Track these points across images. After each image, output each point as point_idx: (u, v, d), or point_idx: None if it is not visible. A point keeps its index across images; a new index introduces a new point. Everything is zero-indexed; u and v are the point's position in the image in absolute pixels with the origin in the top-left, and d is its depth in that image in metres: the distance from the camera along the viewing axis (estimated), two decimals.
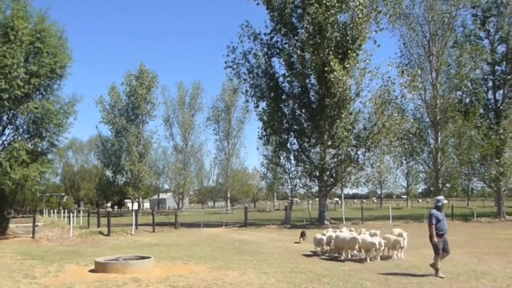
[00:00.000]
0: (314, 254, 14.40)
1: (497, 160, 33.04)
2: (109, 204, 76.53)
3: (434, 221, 9.91)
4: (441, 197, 10.61)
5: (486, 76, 35.21)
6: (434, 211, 10.19)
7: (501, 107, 34.11)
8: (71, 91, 71.42)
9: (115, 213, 47.22)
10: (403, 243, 12.90)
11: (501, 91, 34.85)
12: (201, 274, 10.40)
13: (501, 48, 34.75)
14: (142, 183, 52.06)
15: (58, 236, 23.15)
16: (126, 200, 71.22)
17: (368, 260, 12.36)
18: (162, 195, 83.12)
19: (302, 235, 18.74)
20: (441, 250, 9.98)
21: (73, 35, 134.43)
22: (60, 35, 23.17)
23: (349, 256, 13.11)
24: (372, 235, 13.74)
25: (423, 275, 10.14)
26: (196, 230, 25.73)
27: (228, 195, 66.64)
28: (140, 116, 51.46)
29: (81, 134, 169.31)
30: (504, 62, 34.41)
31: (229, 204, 65.77)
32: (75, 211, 33.96)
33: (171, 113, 64.31)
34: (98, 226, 25.21)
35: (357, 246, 12.80)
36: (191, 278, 9.79)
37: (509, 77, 33.76)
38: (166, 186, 75.36)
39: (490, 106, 35.14)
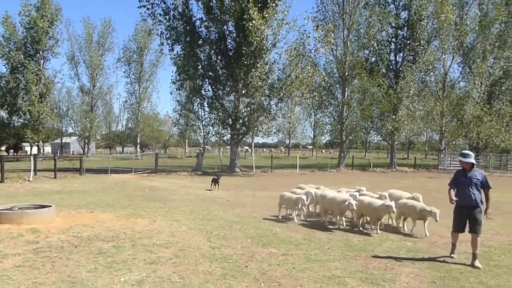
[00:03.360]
0: (286, 219, 11.19)
1: (393, 116, 36.25)
2: (3, 148, 70.32)
3: (452, 184, 7.48)
4: (466, 152, 7.57)
5: (390, 39, 38.54)
6: (458, 171, 7.64)
7: (400, 69, 37.50)
8: None
9: (10, 157, 43.55)
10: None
11: (401, 54, 38.20)
12: (108, 223, 9.99)
13: (404, 14, 38.05)
14: (43, 126, 48.93)
15: None
16: (24, 144, 66.55)
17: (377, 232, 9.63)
18: (65, 139, 78.52)
19: (214, 181, 18.79)
20: (458, 227, 7.44)
21: None
22: None
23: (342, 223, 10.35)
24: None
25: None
26: (103, 176, 24.80)
27: (138, 141, 64.82)
28: (41, 52, 47.52)
29: None
30: (406, 28, 37.62)
31: (138, 149, 64.21)
32: None
33: (77, 51, 59.92)
34: None
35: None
36: (97, 228, 9.33)
37: (409, 41, 36.86)
38: (70, 130, 71.42)
39: (391, 67, 38.58)
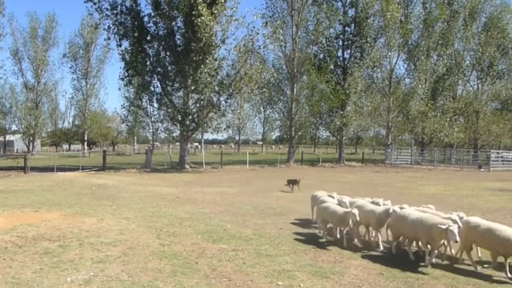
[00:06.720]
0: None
1: (341, 112, 37.13)
2: None
3: None
4: None
5: (338, 36, 39.25)
6: None
7: (348, 65, 38.35)
8: None
9: None
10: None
11: (349, 51, 39.12)
12: (54, 222, 9.76)
13: (351, 12, 39.08)
14: None
15: None
16: None
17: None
18: (9, 137, 74.62)
19: (293, 182, 17.78)
20: None
21: None
22: None
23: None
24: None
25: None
26: (49, 174, 23.87)
27: (86, 138, 62.78)
28: None
29: None
30: (353, 25, 38.53)
31: (86, 147, 62.17)
32: None
33: (21, 46, 57.07)
34: None
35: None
36: (43, 227, 9.10)
37: (356, 38, 37.73)
38: (14, 127, 67.97)
39: (339, 63, 39.31)
